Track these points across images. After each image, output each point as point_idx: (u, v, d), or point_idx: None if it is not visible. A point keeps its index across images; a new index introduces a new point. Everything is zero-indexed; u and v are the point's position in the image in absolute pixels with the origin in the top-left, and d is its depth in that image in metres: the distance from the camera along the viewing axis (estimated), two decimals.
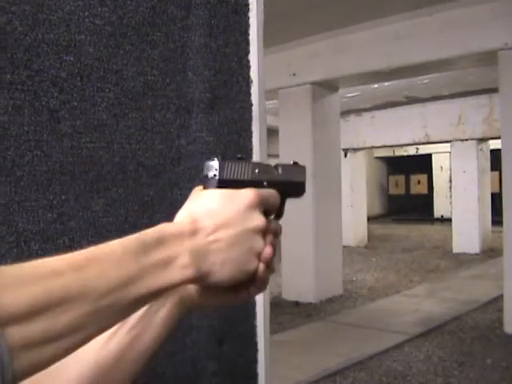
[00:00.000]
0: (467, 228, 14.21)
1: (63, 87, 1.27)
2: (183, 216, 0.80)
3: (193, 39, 1.54)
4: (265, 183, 0.89)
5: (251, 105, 1.68)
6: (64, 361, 0.65)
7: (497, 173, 13.59)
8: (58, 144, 1.26)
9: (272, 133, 7.46)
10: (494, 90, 9.87)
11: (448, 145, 15.68)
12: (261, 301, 1.70)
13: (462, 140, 14.59)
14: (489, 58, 7.65)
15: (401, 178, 25.57)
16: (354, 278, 11.10)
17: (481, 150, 14.63)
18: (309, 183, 9.19)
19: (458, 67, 9.15)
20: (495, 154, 11.98)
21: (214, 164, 0.83)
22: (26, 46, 1.21)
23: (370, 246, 16.27)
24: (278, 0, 6.36)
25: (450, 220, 15.78)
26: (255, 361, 1.69)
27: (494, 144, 13.57)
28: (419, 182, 25.02)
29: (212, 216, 0.78)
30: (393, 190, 25.78)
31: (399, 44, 8.07)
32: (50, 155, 1.24)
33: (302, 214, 9.21)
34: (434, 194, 23.09)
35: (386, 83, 11.30)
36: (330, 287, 9.52)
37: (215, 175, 0.83)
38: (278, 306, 8.74)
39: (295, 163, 0.99)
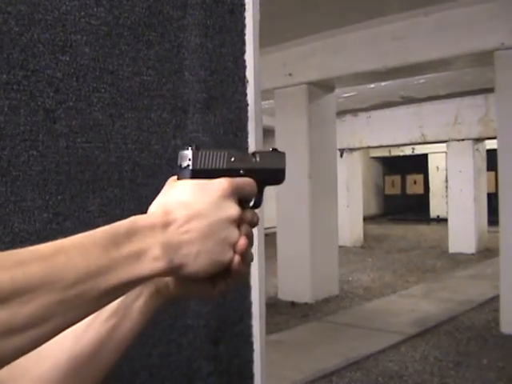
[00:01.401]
0: (463, 228, 14.21)
1: (59, 87, 1.27)
2: (156, 208, 0.80)
3: (189, 39, 1.54)
4: (241, 171, 0.87)
5: (247, 105, 1.68)
6: (38, 352, 0.65)
7: (493, 173, 13.59)
8: (53, 144, 1.26)
9: (268, 133, 7.48)
10: (490, 90, 9.89)
11: (444, 145, 15.68)
12: (256, 301, 1.70)
13: (458, 140, 14.59)
14: (485, 58, 7.66)
15: (397, 178, 25.57)
16: (350, 278, 11.10)
17: (477, 149, 14.63)
18: (305, 183, 9.22)
19: (454, 67, 9.16)
20: (491, 154, 11.99)
21: (188, 154, 0.82)
22: (22, 46, 1.20)
23: (366, 246, 16.27)
24: (274, 0, 6.36)
25: (446, 220, 15.77)
26: (251, 361, 1.69)
27: (490, 144, 13.58)
28: (415, 182, 25.03)
29: (184, 207, 0.77)
30: (389, 190, 25.77)
31: (395, 44, 8.07)
32: (45, 155, 1.24)
33: (298, 214, 9.22)
34: (430, 194, 23.08)
35: (382, 83, 11.31)
36: (326, 287, 9.52)
37: (188, 165, 0.82)
38: (274, 306, 8.73)
39: (274, 149, 0.97)
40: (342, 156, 16.12)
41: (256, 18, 1.71)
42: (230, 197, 0.81)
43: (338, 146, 12.00)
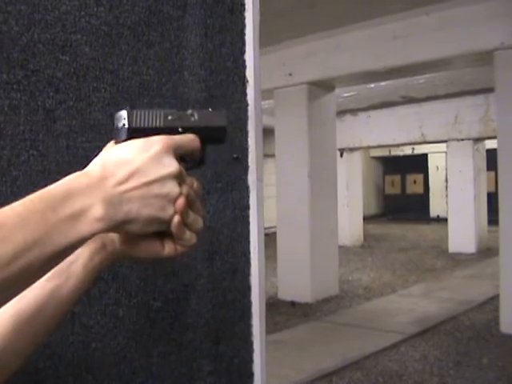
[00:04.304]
0: (463, 228, 14.22)
1: (59, 87, 1.27)
2: (93, 166, 0.78)
3: (189, 39, 1.54)
4: (180, 129, 0.85)
5: (247, 105, 1.68)
6: None
7: (493, 172, 13.60)
8: (53, 144, 1.26)
9: (268, 132, 7.48)
10: (490, 90, 9.89)
11: (444, 144, 15.70)
12: (256, 301, 1.70)
13: (458, 140, 14.60)
14: (485, 58, 7.66)
15: (397, 178, 25.59)
16: (350, 278, 11.11)
17: (477, 149, 14.64)
18: (305, 183, 9.22)
19: (454, 67, 9.17)
20: (491, 154, 11.99)
21: (123, 114, 0.81)
22: (22, 45, 1.20)
23: (366, 245, 16.28)
24: None
25: (446, 220, 15.78)
26: (251, 360, 1.69)
27: (490, 144, 13.59)
28: (415, 182, 25.05)
29: (123, 164, 0.76)
30: (389, 190, 25.79)
31: (396, 43, 8.07)
32: (45, 155, 1.24)
33: (298, 214, 9.22)
34: (430, 194, 23.11)
35: (382, 83, 11.31)
36: (326, 287, 9.52)
37: (124, 124, 0.81)
38: (274, 305, 8.74)
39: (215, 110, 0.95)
40: (341, 156, 16.13)
41: (256, 17, 1.71)
42: (169, 153, 0.80)
43: (338, 146, 12.01)
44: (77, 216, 0.70)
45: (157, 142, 0.79)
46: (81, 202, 0.70)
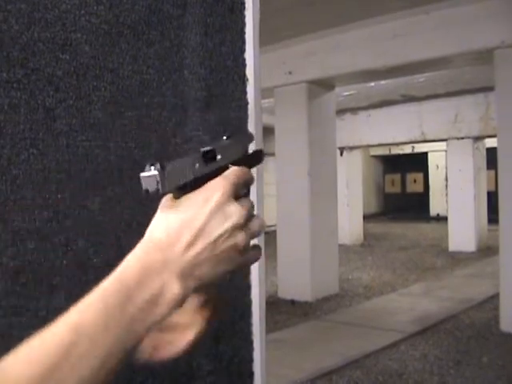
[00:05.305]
0: (463, 226, 14.23)
1: (59, 86, 1.27)
2: (159, 233, 0.74)
3: (189, 38, 1.53)
4: (229, 166, 0.81)
5: (247, 103, 1.68)
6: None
7: (493, 171, 13.59)
8: (53, 142, 1.26)
9: (268, 131, 7.47)
10: (490, 89, 9.89)
11: (444, 143, 15.70)
12: (257, 299, 1.70)
13: (458, 138, 14.60)
14: (485, 57, 7.66)
15: (397, 177, 25.61)
16: (350, 277, 11.11)
17: (477, 148, 14.65)
18: (305, 182, 9.22)
19: (454, 65, 9.16)
20: (491, 153, 11.99)
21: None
22: (22, 44, 1.20)
23: (366, 244, 16.28)
24: None
25: (446, 218, 15.79)
26: (251, 360, 1.69)
27: (490, 142, 13.59)
28: (415, 181, 25.07)
29: (187, 227, 0.72)
30: (389, 189, 25.81)
31: (396, 42, 8.07)
32: (45, 153, 1.24)
33: (298, 213, 9.22)
34: (430, 193, 23.13)
35: (382, 82, 11.31)
36: (325, 286, 9.52)
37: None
38: (273, 304, 8.74)
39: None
40: (341, 154, 16.13)
41: (256, 16, 1.71)
42: (231, 198, 0.75)
43: (338, 145, 12.02)
44: (155, 299, 0.68)
45: (216, 191, 0.75)
46: (156, 284, 0.69)
